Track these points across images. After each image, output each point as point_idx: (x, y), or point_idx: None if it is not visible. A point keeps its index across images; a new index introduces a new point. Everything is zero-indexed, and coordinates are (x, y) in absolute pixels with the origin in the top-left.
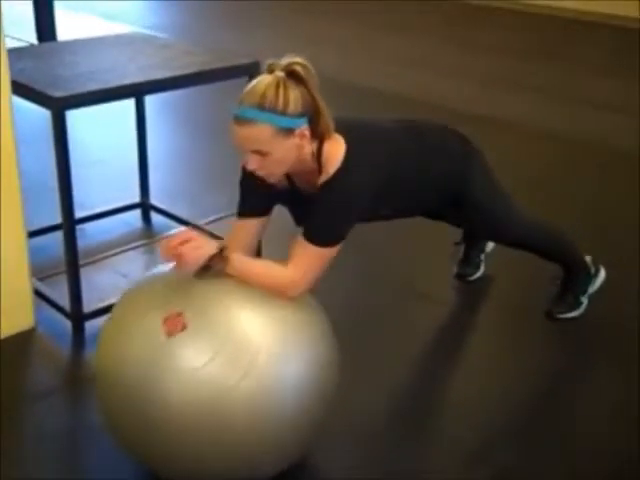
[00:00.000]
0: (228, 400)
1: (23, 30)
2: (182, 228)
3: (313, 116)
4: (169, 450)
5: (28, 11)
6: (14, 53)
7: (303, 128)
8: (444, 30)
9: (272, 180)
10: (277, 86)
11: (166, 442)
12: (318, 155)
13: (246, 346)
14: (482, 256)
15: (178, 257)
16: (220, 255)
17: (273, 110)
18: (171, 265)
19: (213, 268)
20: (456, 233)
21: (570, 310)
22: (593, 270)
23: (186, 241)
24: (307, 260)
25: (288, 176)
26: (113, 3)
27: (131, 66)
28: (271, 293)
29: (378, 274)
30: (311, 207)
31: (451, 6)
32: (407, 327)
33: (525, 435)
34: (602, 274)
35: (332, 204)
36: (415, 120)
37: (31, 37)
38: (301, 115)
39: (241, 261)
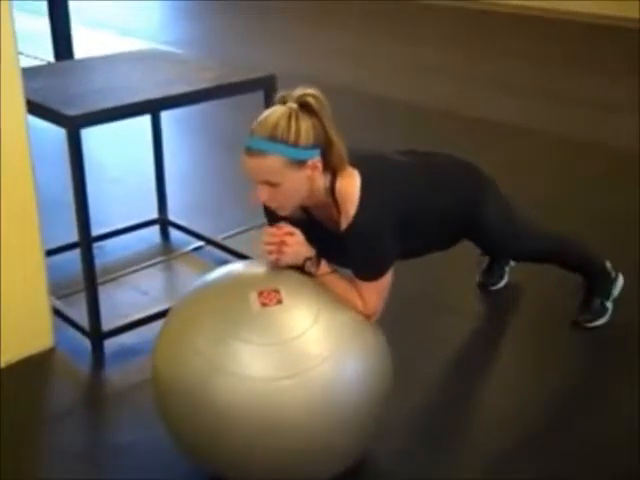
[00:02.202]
0: (282, 394)
1: (41, 48)
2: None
3: (325, 148)
4: (222, 446)
5: (45, 29)
6: (30, 72)
7: (315, 160)
8: (449, 36)
9: (284, 213)
10: (289, 117)
11: (219, 436)
12: (332, 189)
13: (315, 347)
14: (506, 268)
15: (282, 244)
16: (316, 260)
17: (285, 141)
18: (268, 251)
19: (306, 269)
20: None
21: (597, 317)
22: (614, 275)
23: (292, 234)
24: (371, 294)
25: (304, 208)
26: (129, 19)
27: (146, 82)
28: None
29: (401, 285)
30: (346, 251)
31: (455, 12)
32: (429, 338)
33: (552, 448)
34: (621, 280)
35: (366, 246)
36: (426, 152)
37: (48, 55)
38: (313, 147)
39: (332, 271)
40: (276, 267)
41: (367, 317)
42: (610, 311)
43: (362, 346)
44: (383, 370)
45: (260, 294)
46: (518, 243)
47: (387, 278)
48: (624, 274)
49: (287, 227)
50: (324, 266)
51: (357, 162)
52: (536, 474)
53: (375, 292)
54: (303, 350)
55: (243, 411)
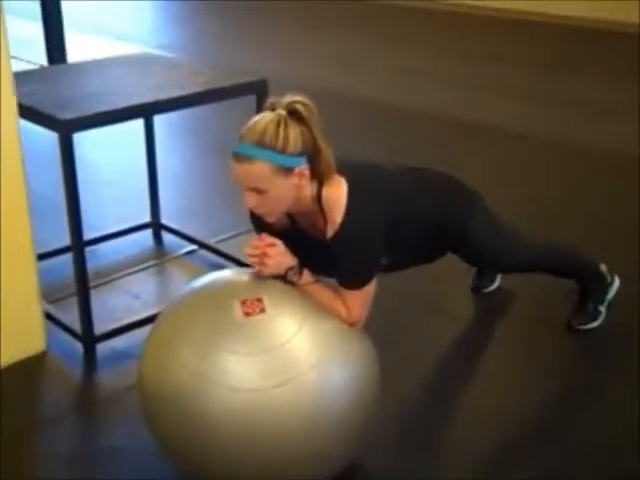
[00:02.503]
0: (270, 403)
1: (34, 52)
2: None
3: (313, 156)
4: (210, 457)
5: (39, 33)
6: (22, 76)
7: (302, 167)
8: (441, 40)
9: (270, 219)
10: (278, 124)
11: (207, 447)
12: (318, 197)
13: (301, 355)
14: None
15: (263, 256)
16: (298, 269)
17: (272, 148)
18: (252, 263)
19: (288, 278)
20: None
21: (590, 321)
22: (609, 278)
23: (273, 245)
24: (355, 302)
25: (290, 215)
26: (122, 23)
27: (139, 86)
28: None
29: (392, 287)
30: (332, 259)
31: (446, 16)
32: (423, 340)
33: (542, 449)
34: (617, 282)
35: (351, 254)
36: (414, 167)
37: (42, 59)
38: (301, 154)
39: (315, 280)
40: (259, 277)
41: (351, 325)
42: (603, 314)
43: (348, 353)
44: (370, 376)
45: (243, 303)
46: (506, 258)
47: (371, 287)
48: (623, 279)
49: (269, 238)
50: (307, 275)
51: (344, 170)
52: (528, 476)
53: (359, 300)
54: (288, 358)
55: (231, 421)
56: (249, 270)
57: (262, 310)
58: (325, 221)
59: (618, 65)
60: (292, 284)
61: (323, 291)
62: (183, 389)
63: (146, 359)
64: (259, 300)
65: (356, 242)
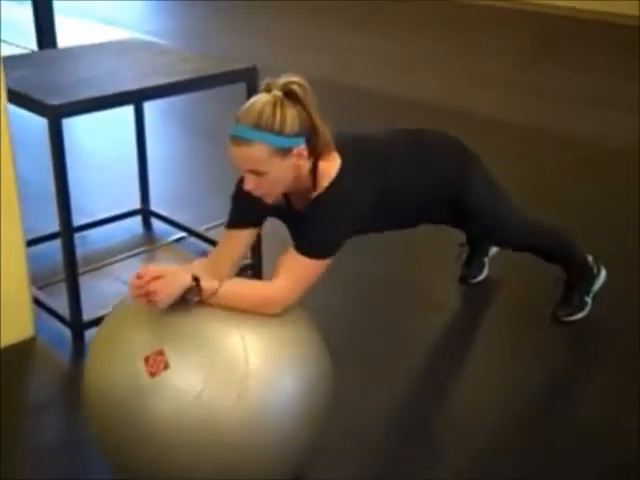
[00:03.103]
0: (223, 424)
1: (24, 37)
2: (148, 268)
3: (310, 135)
4: (151, 464)
5: (29, 17)
6: (11, 61)
7: (300, 148)
8: (441, 32)
9: (269, 200)
10: (274, 105)
11: (156, 473)
12: (314, 172)
13: (233, 370)
14: (486, 259)
15: (151, 294)
16: (195, 287)
17: (270, 130)
18: (141, 303)
19: (188, 300)
20: (460, 235)
21: (575, 312)
22: (595, 270)
23: (157, 277)
24: (297, 272)
25: (284, 194)
26: (112, 9)
27: (129, 73)
28: (254, 312)
29: (380, 277)
30: (303, 219)
31: (447, 7)
32: (410, 331)
33: (530, 441)
34: (603, 273)
35: (324, 218)
36: (412, 129)
37: (31, 44)
38: (298, 135)
39: (218, 287)
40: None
41: (276, 301)
42: (589, 305)
43: (283, 365)
44: (319, 379)
45: (146, 362)
46: (504, 226)
47: (321, 265)
48: (618, 271)
49: (151, 271)
50: (208, 286)
51: (340, 145)
52: (516, 469)
53: (303, 272)
54: (207, 407)
55: (177, 433)
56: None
57: (166, 366)
58: (314, 190)
59: (610, 57)
60: (194, 304)
61: (234, 288)
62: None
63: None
64: (161, 354)
65: (333, 208)
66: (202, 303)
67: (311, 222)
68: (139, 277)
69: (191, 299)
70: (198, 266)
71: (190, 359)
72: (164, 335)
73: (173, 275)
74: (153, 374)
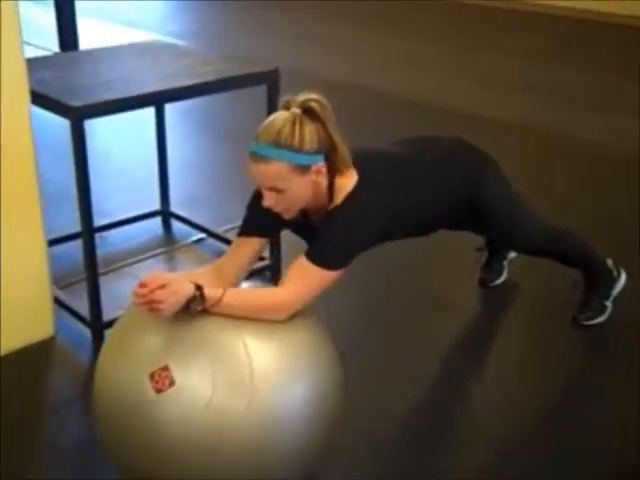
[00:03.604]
0: (233, 432)
1: (46, 39)
2: (150, 274)
3: (329, 152)
4: (162, 471)
5: (51, 20)
6: (34, 63)
7: (319, 165)
8: (452, 32)
9: (288, 216)
10: (293, 123)
11: (160, 467)
12: (330, 188)
13: (240, 380)
14: (505, 262)
15: (155, 303)
16: (199, 297)
17: (289, 147)
18: (144, 311)
19: (191, 309)
20: (478, 239)
21: (596, 316)
22: (615, 273)
23: (161, 286)
24: (306, 279)
25: (302, 210)
26: (133, 10)
27: (150, 75)
28: (260, 317)
29: (398, 280)
30: (318, 230)
31: (458, 8)
32: (428, 333)
33: (548, 444)
34: (623, 277)
35: (337, 229)
36: (426, 136)
37: (54, 45)
38: (317, 152)
39: (222, 295)
40: (162, 322)
41: (282, 307)
42: (609, 309)
43: (287, 377)
44: (329, 387)
45: (151, 378)
46: (521, 229)
47: (331, 276)
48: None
49: (156, 280)
50: (211, 295)
51: (356, 160)
52: (532, 472)
53: (312, 280)
54: (216, 418)
55: (186, 441)
56: (149, 316)
57: (172, 383)
58: (329, 205)
59: (627, 59)
60: (198, 312)
61: (238, 295)
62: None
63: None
64: (165, 369)
65: (346, 220)
66: (206, 312)
67: (324, 232)
68: (142, 286)
69: (195, 308)
70: (203, 273)
71: (196, 372)
72: (169, 348)
73: (177, 284)
74: (159, 390)
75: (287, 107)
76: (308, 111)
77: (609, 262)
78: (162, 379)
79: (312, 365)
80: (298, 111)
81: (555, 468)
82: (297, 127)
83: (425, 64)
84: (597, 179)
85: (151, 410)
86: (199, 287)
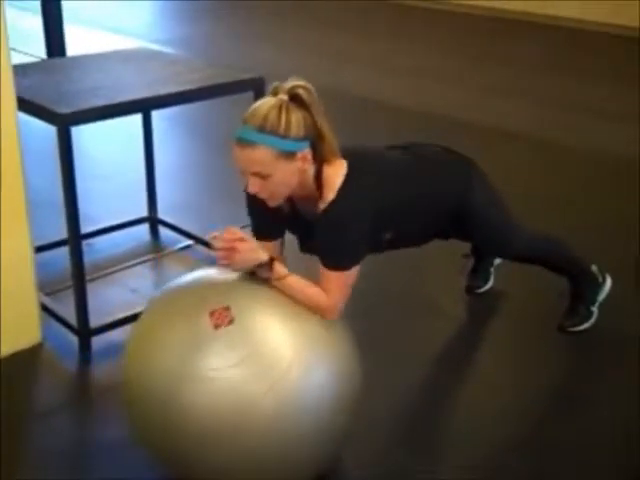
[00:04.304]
0: (255, 408)
1: (33, 45)
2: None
3: (315, 140)
4: (192, 457)
5: (38, 26)
6: (21, 69)
7: (305, 152)
8: (449, 41)
9: (273, 203)
10: (279, 109)
11: (189, 448)
12: (318, 178)
13: (279, 356)
14: (491, 269)
15: (232, 251)
16: (269, 264)
17: (275, 133)
18: (219, 257)
19: (259, 275)
20: (464, 246)
21: (582, 322)
22: (600, 279)
23: (243, 240)
24: (334, 286)
25: (290, 199)
26: (121, 18)
27: (137, 81)
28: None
29: (386, 287)
30: (315, 235)
31: (455, 17)
32: (415, 340)
33: (533, 450)
34: (608, 283)
35: (335, 231)
36: (413, 143)
37: (41, 52)
38: (303, 139)
39: (287, 274)
40: (229, 278)
41: (328, 311)
42: (595, 315)
43: (326, 350)
44: (352, 373)
45: (212, 315)
46: (506, 236)
47: (353, 272)
48: (621, 281)
49: (240, 233)
50: (279, 269)
51: (346, 154)
52: (520, 474)
53: (339, 284)
54: (264, 364)
55: (216, 426)
56: (219, 270)
57: (231, 321)
58: (321, 199)
59: (624, 67)
60: (264, 280)
61: (297, 283)
62: (166, 396)
63: (128, 368)
64: (227, 309)
65: (343, 220)
66: (269, 282)
67: (325, 237)
68: (229, 232)
69: (261, 275)
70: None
71: (252, 321)
72: (231, 295)
73: (256, 245)
74: (218, 326)
75: (275, 93)
76: (295, 98)
77: (594, 268)
78: (222, 316)
79: (337, 360)
80: (285, 97)
81: (542, 470)
82: (283, 113)
83: (425, 73)
84: (602, 186)
85: (205, 346)
86: (272, 258)
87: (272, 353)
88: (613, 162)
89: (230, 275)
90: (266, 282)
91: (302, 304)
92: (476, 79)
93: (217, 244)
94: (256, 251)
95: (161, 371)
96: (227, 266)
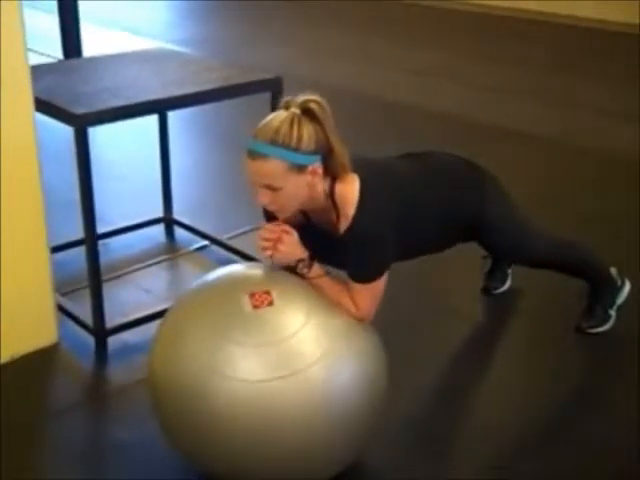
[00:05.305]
0: (277, 395)
1: (50, 46)
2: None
3: (327, 154)
4: (219, 449)
5: (55, 27)
6: (38, 70)
7: (316, 166)
8: (459, 41)
9: (282, 215)
10: (291, 122)
11: (216, 439)
12: (331, 194)
13: (309, 347)
14: (509, 270)
15: (277, 241)
16: (309, 262)
17: (286, 146)
18: (263, 247)
19: (297, 269)
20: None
21: (600, 324)
22: (619, 282)
23: (288, 233)
24: (365, 297)
25: (303, 212)
26: (137, 18)
27: (154, 82)
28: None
29: (403, 288)
30: (341, 250)
31: (466, 17)
32: (432, 340)
33: (550, 451)
34: (627, 286)
35: (364, 247)
36: (426, 152)
37: (57, 53)
38: (314, 152)
39: (324, 274)
40: (269, 268)
41: (359, 320)
42: (613, 318)
43: (356, 347)
44: (377, 372)
45: (252, 296)
46: (523, 246)
47: (382, 282)
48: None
49: (285, 225)
50: (317, 269)
51: (358, 167)
52: (534, 476)
53: (369, 295)
54: (296, 350)
55: (239, 413)
56: (259, 264)
57: (270, 303)
58: (338, 216)
59: (622, 67)
60: (302, 277)
61: (333, 285)
62: (192, 381)
63: (156, 353)
64: (267, 293)
65: (369, 237)
66: (307, 279)
67: (354, 254)
68: (276, 224)
69: (300, 270)
70: None
71: (293, 305)
72: (272, 282)
73: (298, 241)
74: (257, 307)
75: (287, 107)
76: (307, 112)
77: (613, 271)
78: (262, 298)
79: (366, 348)
80: (297, 111)
81: (561, 471)
82: (295, 127)
83: (435, 73)
84: (612, 186)
85: (245, 327)
86: (312, 256)
87: (302, 344)
88: (624, 162)
89: (268, 268)
90: (303, 278)
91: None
92: (485, 79)
93: (263, 233)
94: (298, 246)
95: (188, 365)
96: (270, 256)
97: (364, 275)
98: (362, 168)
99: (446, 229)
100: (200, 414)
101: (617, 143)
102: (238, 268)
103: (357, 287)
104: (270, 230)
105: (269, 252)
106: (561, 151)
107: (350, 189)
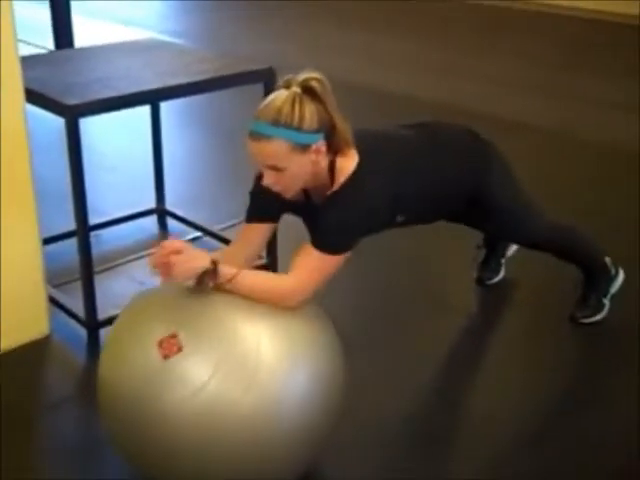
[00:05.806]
0: (230, 416)
1: (41, 36)
2: (171, 238)
3: (329, 132)
4: (170, 468)
5: (46, 17)
6: (29, 60)
7: (319, 144)
8: (461, 34)
9: (287, 195)
10: (293, 102)
11: (167, 461)
12: (331, 168)
13: (245, 361)
14: (502, 260)
15: (167, 266)
16: (213, 271)
17: (288, 126)
18: (158, 275)
19: (204, 283)
20: (476, 236)
21: (594, 313)
22: (613, 271)
23: (178, 252)
24: (310, 268)
25: (304, 190)
26: (129, 9)
27: (146, 73)
28: (270, 304)
29: (396, 279)
30: (320, 216)
31: (468, 9)
32: (426, 332)
33: (546, 443)
34: (621, 276)
35: (340, 214)
36: (431, 122)
37: (49, 43)
38: (317, 131)
39: (236, 273)
40: (177, 296)
41: (288, 294)
42: (607, 307)
43: (297, 354)
44: (331, 372)
45: (160, 345)
46: (523, 222)
47: (336, 262)
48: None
49: (174, 244)
50: (225, 272)
51: (358, 141)
52: (532, 472)
53: (317, 268)
54: (216, 395)
55: (190, 428)
56: (168, 286)
57: (179, 349)
58: (331, 187)
59: (624, 59)
60: (211, 288)
61: (253, 277)
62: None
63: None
64: (174, 337)
65: (349, 203)
66: (218, 288)
67: (327, 218)
68: (162, 247)
69: (207, 282)
70: (219, 254)
71: (202, 345)
72: (179, 320)
73: (193, 253)
74: (166, 356)
75: (287, 86)
76: (308, 90)
77: (608, 260)
78: (170, 345)
79: (316, 356)
80: (298, 90)
81: (555, 469)
82: (297, 106)
83: (437, 66)
84: (613, 180)
85: (157, 379)
86: (214, 262)
87: (236, 359)
88: (625, 154)
89: (174, 294)
90: (215, 290)
91: (261, 300)
92: (489, 72)
93: (150, 262)
94: (194, 260)
95: (133, 385)
96: (168, 280)
97: (327, 242)
98: (361, 139)
99: (448, 197)
100: (142, 421)
101: (619, 135)
102: (147, 299)
103: (311, 256)
104: (158, 256)
105: (163, 277)
106: (562, 143)
107: (349, 162)
